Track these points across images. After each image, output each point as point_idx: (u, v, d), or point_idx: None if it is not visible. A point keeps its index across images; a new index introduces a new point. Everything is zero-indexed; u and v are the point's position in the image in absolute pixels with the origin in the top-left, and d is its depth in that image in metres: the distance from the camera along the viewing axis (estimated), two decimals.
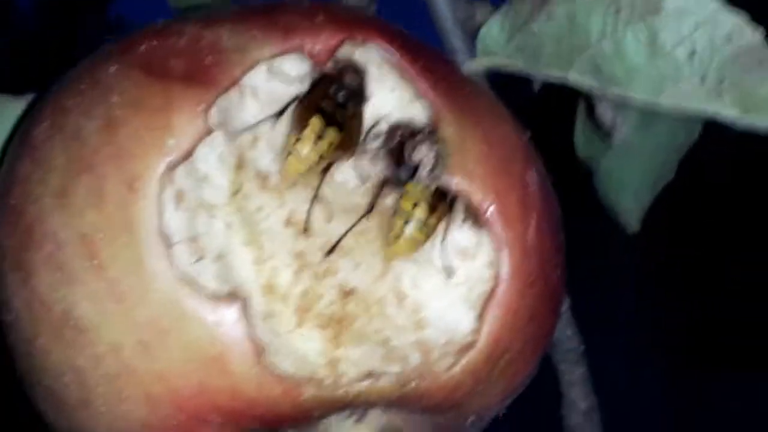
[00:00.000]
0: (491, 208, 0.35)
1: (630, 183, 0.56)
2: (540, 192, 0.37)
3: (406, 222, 0.36)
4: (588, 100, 0.46)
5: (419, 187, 0.36)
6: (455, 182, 0.35)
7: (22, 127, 0.37)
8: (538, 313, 0.37)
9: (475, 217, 0.36)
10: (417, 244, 0.36)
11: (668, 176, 0.56)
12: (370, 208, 0.37)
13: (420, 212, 0.36)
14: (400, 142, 0.36)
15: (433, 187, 0.35)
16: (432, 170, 0.35)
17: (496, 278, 0.36)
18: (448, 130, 0.36)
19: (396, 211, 0.36)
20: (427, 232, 0.36)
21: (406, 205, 0.36)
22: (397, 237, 0.36)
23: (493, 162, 0.36)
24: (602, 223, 0.57)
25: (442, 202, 0.36)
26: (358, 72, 0.36)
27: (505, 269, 0.36)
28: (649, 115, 0.51)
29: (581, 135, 0.55)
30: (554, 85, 0.46)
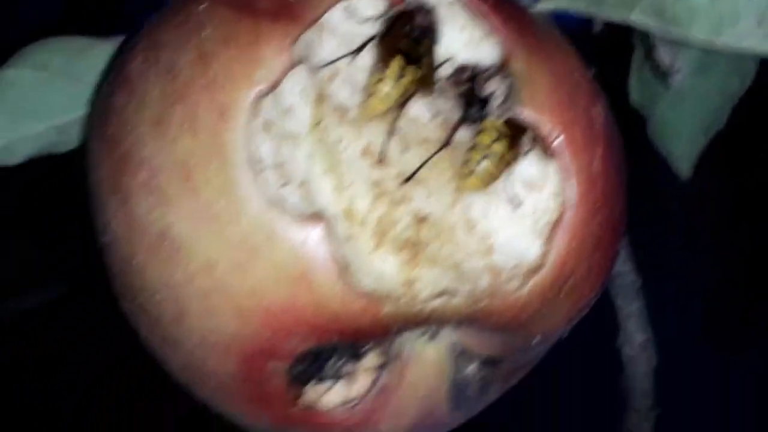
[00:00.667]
0: (559, 139, 0.37)
1: (683, 129, 0.57)
2: (604, 125, 0.39)
3: (484, 157, 0.38)
4: (647, 42, 0.48)
5: (497, 123, 0.38)
6: (525, 114, 0.37)
7: (116, 63, 0.40)
8: (601, 240, 0.39)
9: (543, 147, 0.38)
10: (492, 178, 0.38)
11: (721, 123, 0.57)
12: (447, 141, 0.39)
13: (498, 147, 0.38)
14: (473, 77, 0.38)
15: (504, 119, 0.37)
16: (503, 102, 0.37)
17: (563, 205, 0.38)
18: (519, 65, 0.38)
19: (474, 145, 0.38)
20: (502, 167, 0.38)
21: (485, 139, 0.38)
22: (472, 171, 0.38)
23: (561, 95, 0.38)
24: (657, 168, 0.58)
25: (513, 134, 0.38)
26: (428, 12, 0.39)
27: (572, 197, 0.38)
28: (705, 61, 0.53)
29: (636, 81, 0.57)
30: (613, 30, 0.48)
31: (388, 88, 0.37)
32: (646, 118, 0.58)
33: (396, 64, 0.37)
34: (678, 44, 0.47)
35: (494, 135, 0.38)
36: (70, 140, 0.46)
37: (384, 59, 0.38)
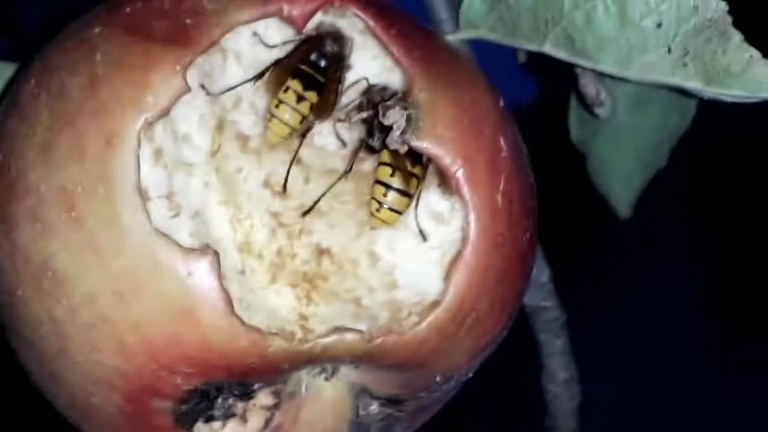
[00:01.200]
0: (459, 171, 0.36)
1: (621, 167, 0.56)
2: (510, 157, 0.38)
3: (386, 191, 0.37)
4: (573, 74, 0.47)
5: (394, 156, 0.37)
6: (425, 146, 0.36)
7: (11, 87, 0.39)
8: (505, 274, 0.37)
9: (445, 180, 0.37)
10: (398, 212, 0.37)
11: (661, 161, 0.56)
12: (348, 170, 0.38)
13: (397, 180, 0.37)
14: (376, 106, 0.37)
15: (404, 151, 0.36)
16: (403, 133, 0.36)
17: (464, 239, 0.36)
18: (420, 95, 0.36)
19: (375, 179, 0.37)
20: (407, 200, 0.37)
21: (384, 173, 0.37)
22: (379, 207, 0.37)
23: (463, 126, 0.37)
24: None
25: (418, 165, 0.37)
26: (339, 38, 0.38)
27: (473, 231, 0.36)
28: (641, 96, 0.52)
29: (575, 117, 0.56)
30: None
31: (288, 113, 0.36)
32: (585, 155, 0.57)
33: (294, 85, 0.37)
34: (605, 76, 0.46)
35: (393, 167, 0.37)
36: None
37: (282, 81, 0.37)
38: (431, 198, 0.38)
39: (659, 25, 0.38)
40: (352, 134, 0.39)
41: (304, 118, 0.37)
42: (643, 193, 0.58)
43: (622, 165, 0.56)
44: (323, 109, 0.37)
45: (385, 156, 0.37)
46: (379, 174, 0.37)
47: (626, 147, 0.55)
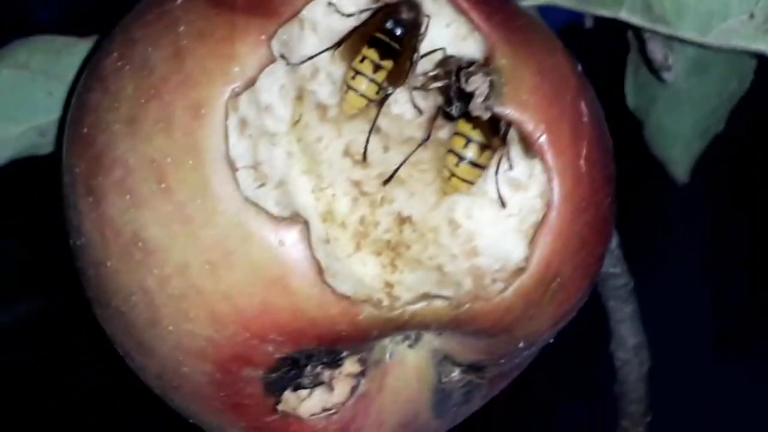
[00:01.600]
0: (543, 137, 0.36)
1: (680, 132, 0.56)
2: (591, 122, 0.38)
3: (458, 161, 0.37)
4: (640, 38, 0.47)
5: (469, 125, 0.37)
6: (508, 112, 0.36)
7: (91, 61, 0.39)
8: (588, 240, 0.37)
9: (527, 146, 0.37)
10: (469, 182, 0.37)
11: (719, 126, 0.56)
12: (426, 139, 0.38)
13: (471, 151, 0.37)
14: (456, 74, 0.37)
15: (486, 118, 0.36)
16: (486, 99, 0.36)
17: (548, 205, 0.37)
18: (502, 61, 0.37)
19: (450, 148, 0.37)
20: (478, 171, 0.37)
21: (458, 143, 0.37)
22: (450, 176, 0.37)
23: (546, 92, 0.37)
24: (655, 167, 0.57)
25: (495, 135, 0.37)
26: (413, 6, 0.38)
27: (556, 196, 0.37)
28: (701, 61, 0.52)
29: (632, 84, 0.56)
30: (608, 26, 0.47)
31: (365, 85, 0.37)
32: (642, 122, 0.57)
33: (371, 55, 0.37)
34: (670, 41, 0.46)
35: (465, 137, 0.37)
36: (52, 142, 0.45)
37: (359, 51, 0.37)
38: (509, 164, 0.38)
39: None
40: (429, 102, 0.39)
41: (380, 87, 0.37)
42: (700, 158, 0.57)
43: (681, 130, 0.56)
44: (398, 76, 0.37)
45: (460, 125, 0.37)
46: (453, 144, 0.37)
47: (685, 112, 0.55)
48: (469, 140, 0.37)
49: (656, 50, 0.45)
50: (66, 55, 0.44)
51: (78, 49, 0.43)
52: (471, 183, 0.37)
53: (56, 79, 0.44)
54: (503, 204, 0.38)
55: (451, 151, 0.37)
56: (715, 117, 0.56)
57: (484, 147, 0.37)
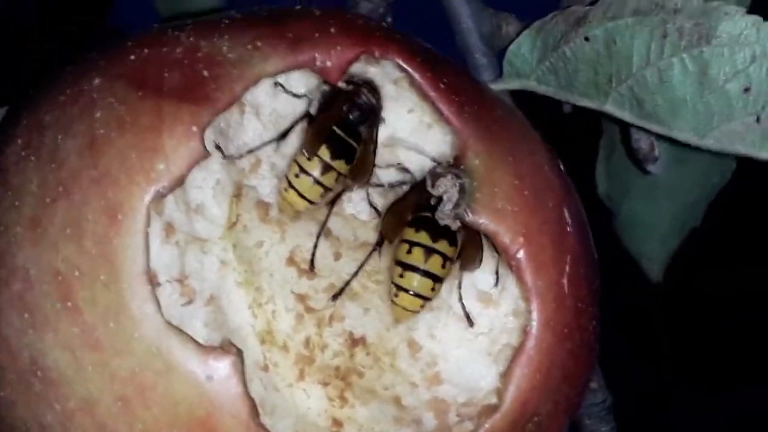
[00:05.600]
0: (521, 252, 0.31)
1: (655, 226, 0.52)
2: (575, 232, 0.33)
3: (402, 275, 0.31)
4: (623, 127, 0.42)
5: (419, 229, 0.32)
6: (482, 221, 0.31)
7: None
8: (570, 371, 0.32)
9: (502, 260, 0.32)
10: (423, 299, 0.32)
11: (697, 220, 0.52)
12: (379, 244, 0.33)
13: (418, 260, 0.31)
14: (421, 176, 0.32)
15: (455, 228, 0.31)
16: (456, 206, 0.31)
17: (525, 331, 0.31)
18: (475, 162, 0.31)
19: (394, 260, 0.32)
20: (431, 284, 0.32)
21: (401, 252, 0.32)
22: (397, 292, 0.32)
23: (525, 198, 0.32)
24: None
25: (444, 244, 0.32)
26: (373, 91, 0.32)
27: (535, 322, 0.31)
28: (682, 152, 0.48)
29: (603, 171, 0.51)
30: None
31: (306, 186, 0.31)
32: (614, 212, 0.52)
33: (320, 156, 0.31)
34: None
35: (409, 246, 0.31)
36: None
37: (309, 146, 0.31)
38: (477, 277, 0.33)
39: (747, 90, 0.33)
40: (388, 200, 0.34)
41: (325, 189, 0.31)
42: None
43: (658, 224, 0.52)
44: (359, 176, 0.32)
45: (405, 232, 0.32)
46: (397, 253, 0.32)
47: (662, 205, 0.51)
48: (412, 247, 0.31)
49: (641, 140, 0.41)
50: None
51: None
52: (425, 299, 0.32)
53: None
54: (471, 322, 0.32)
55: (397, 262, 0.32)
56: (694, 211, 0.51)
57: (431, 253, 0.31)
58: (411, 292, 0.31)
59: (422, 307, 0.32)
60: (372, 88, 0.32)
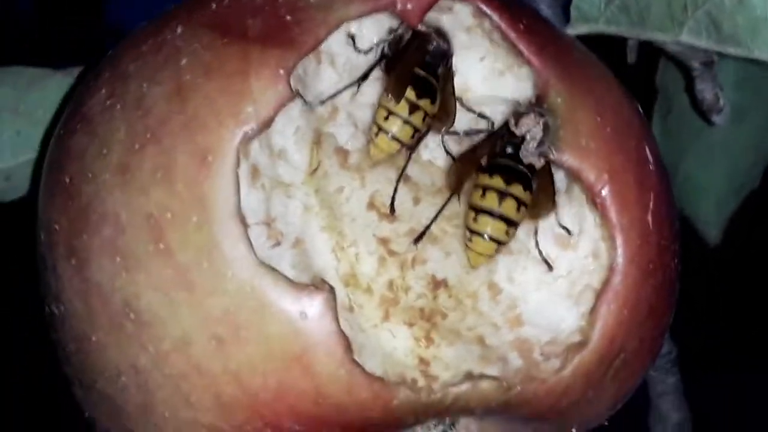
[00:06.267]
0: (606, 189, 0.31)
1: (712, 189, 0.52)
2: (657, 170, 0.33)
3: (475, 219, 0.31)
4: (688, 76, 0.42)
5: (491, 173, 0.32)
6: (566, 159, 0.31)
7: (73, 98, 0.33)
8: (655, 307, 0.32)
9: (586, 199, 0.32)
10: (498, 243, 0.32)
11: (754, 182, 0.52)
12: (457, 190, 0.33)
13: (492, 204, 0.31)
14: (503, 114, 0.32)
15: (539, 166, 0.31)
16: (540, 145, 0.31)
17: (611, 268, 0.31)
18: (557, 100, 0.32)
19: (468, 204, 0.32)
20: (506, 228, 0.32)
21: (476, 197, 0.32)
22: (471, 237, 0.32)
23: (607, 135, 0.32)
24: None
25: (519, 188, 0.32)
26: (444, 37, 0.33)
27: (621, 258, 0.31)
28: (739, 110, 0.48)
29: (659, 133, 0.51)
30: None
31: (397, 127, 0.31)
32: (670, 175, 0.52)
33: (407, 97, 0.31)
34: (719, 83, 0.42)
35: (482, 191, 0.31)
36: (19, 187, 0.40)
37: (393, 91, 0.31)
38: (552, 218, 0.33)
39: None
40: (462, 146, 0.34)
41: (416, 131, 0.32)
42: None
43: (714, 186, 0.51)
44: (446, 115, 0.32)
45: (479, 177, 0.32)
46: (471, 198, 0.32)
47: (719, 167, 0.51)
48: (485, 191, 0.32)
49: (707, 90, 0.41)
50: (36, 89, 0.39)
51: (50, 82, 0.38)
52: (500, 242, 0.32)
53: (25, 117, 0.39)
54: (550, 266, 0.32)
55: (471, 207, 0.32)
56: (751, 173, 0.51)
57: (505, 196, 0.31)
58: (485, 236, 0.31)
59: (497, 251, 0.32)
60: (441, 34, 0.33)
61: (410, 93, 0.31)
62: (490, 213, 0.31)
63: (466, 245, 0.32)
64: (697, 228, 0.53)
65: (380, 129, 0.31)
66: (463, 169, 0.33)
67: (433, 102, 0.32)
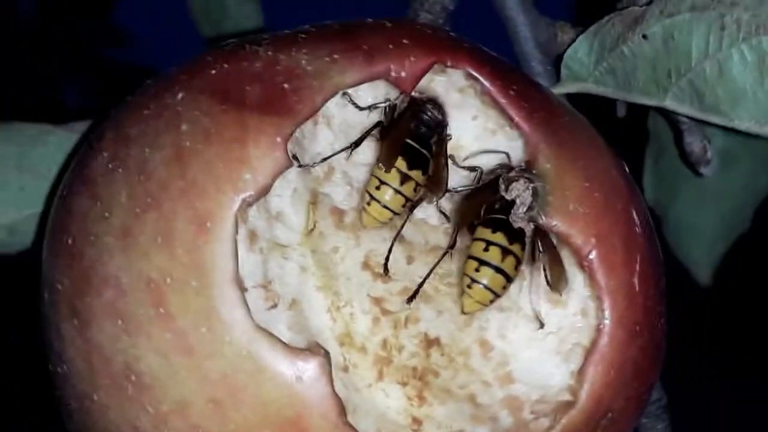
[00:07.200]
0: (593, 253, 0.32)
1: (703, 230, 0.53)
2: (644, 232, 0.34)
3: (478, 268, 0.32)
4: (676, 129, 0.43)
5: (492, 230, 0.33)
6: (555, 224, 0.32)
7: (77, 158, 0.34)
8: (641, 367, 0.33)
9: (574, 262, 0.33)
10: (493, 293, 0.32)
11: (745, 224, 0.53)
12: (451, 247, 0.33)
13: (493, 257, 0.32)
14: (494, 179, 0.33)
15: (529, 231, 0.32)
16: (529, 209, 0.32)
17: (598, 329, 0.32)
18: (546, 165, 0.32)
19: (468, 255, 0.33)
20: (503, 281, 0.32)
21: (477, 249, 0.33)
22: (470, 284, 0.32)
23: (595, 200, 0.32)
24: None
25: (517, 246, 0.33)
26: (438, 107, 0.33)
27: (608, 319, 0.32)
28: (730, 155, 0.48)
29: (651, 176, 0.52)
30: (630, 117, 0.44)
31: (389, 196, 0.32)
32: (661, 218, 0.53)
33: (398, 168, 0.32)
34: (706, 134, 0.42)
35: (485, 244, 0.32)
36: (22, 241, 0.41)
37: (384, 161, 0.32)
38: (544, 278, 0.33)
39: None
40: (455, 205, 0.35)
41: (407, 200, 0.32)
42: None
43: (705, 229, 0.52)
44: (436, 186, 0.33)
45: (481, 231, 0.33)
46: (473, 249, 0.33)
47: (710, 209, 0.52)
48: (488, 245, 0.32)
49: (694, 143, 0.42)
50: (40, 145, 0.40)
51: (53, 138, 0.39)
52: (495, 293, 0.32)
53: (28, 173, 0.39)
54: (541, 322, 0.33)
55: (471, 257, 0.33)
56: (742, 215, 0.52)
57: (506, 253, 0.32)
58: (484, 286, 0.32)
59: (491, 302, 0.32)
60: (436, 104, 0.34)
61: (401, 163, 0.32)
62: (492, 266, 0.32)
63: (464, 291, 0.32)
64: (688, 269, 0.54)
65: (372, 198, 0.32)
66: (460, 224, 0.34)
67: (424, 173, 0.33)
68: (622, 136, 0.49)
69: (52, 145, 0.39)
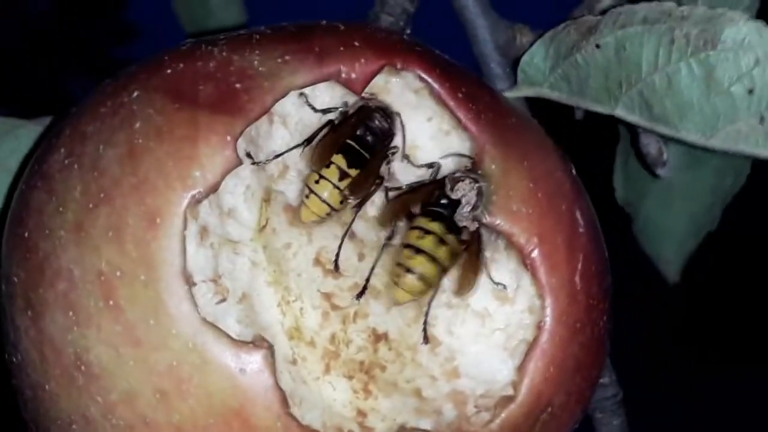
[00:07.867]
0: (535, 252, 0.33)
1: (672, 230, 0.53)
2: (587, 233, 0.34)
3: (410, 258, 0.33)
4: (632, 131, 0.44)
5: (428, 220, 0.33)
6: (498, 223, 0.33)
7: (36, 154, 0.35)
8: (582, 363, 0.34)
9: (517, 259, 0.33)
10: (425, 283, 0.33)
11: (713, 223, 0.53)
12: (389, 239, 0.34)
13: (427, 245, 0.33)
14: (440, 179, 0.34)
15: (472, 229, 0.33)
16: (474, 209, 0.33)
17: (539, 326, 0.33)
18: (492, 166, 0.33)
19: (403, 243, 0.33)
20: (436, 269, 0.33)
21: (412, 236, 0.33)
22: (400, 273, 0.33)
23: (539, 201, 0.33)
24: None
25: (453, 237, 0.33)
26: (387, 114, 0.34)
27: (549, 317, 0.33)
28: (696, 155, 0.49)
29: (621, 177, 0.53)
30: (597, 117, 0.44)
31: (327, 192, 0.33)
32: (632, 217, 0.53)
33: (337, 164, 0.33)
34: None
35: (420, 232, 0.33)
36: None
37: (320, 155, 0.33)
38: (494, 276, 0.34)
39: (751, 92, 0.35)
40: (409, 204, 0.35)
41: (344, 196, 0.33)
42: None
43: (674, 227, 0.53)
44: (356, 190, 0.33)
45: (418, 220, 0.33)
46: (408, 237, 0.33)
47: (678, 208, 0.52)
48: (425, 233, 0.33)
49: (650, 144, 0.42)
50: (10, 139, 0.40)
51: (24, 132, 0.40)
52: (427, 282, 0.33)
53: None
54: (486, 317, 0.34)
55: (406, 245, 0.33)
56: (710, 214, 0.52)
57: (440, 242, 0.33)
58: (417, 274, 0.32)
59: (421, 293, 0.33)
60: (387, 113, 0.34)
61: (341, 161, 0.33)
62: (425, 254, 0.33)
63: (393, 281, 0.33)
64: (657, 267, 0.55)
65: (311, 191, 0.33)
66: (397, 209, 0.34)
67: (361, 172, 0.33)
68: (596, 135, 0.50)
69: (23, 138, 0.40)
